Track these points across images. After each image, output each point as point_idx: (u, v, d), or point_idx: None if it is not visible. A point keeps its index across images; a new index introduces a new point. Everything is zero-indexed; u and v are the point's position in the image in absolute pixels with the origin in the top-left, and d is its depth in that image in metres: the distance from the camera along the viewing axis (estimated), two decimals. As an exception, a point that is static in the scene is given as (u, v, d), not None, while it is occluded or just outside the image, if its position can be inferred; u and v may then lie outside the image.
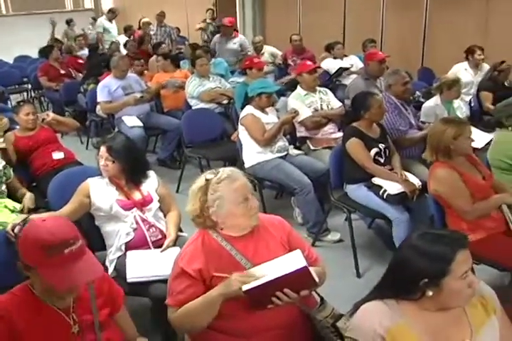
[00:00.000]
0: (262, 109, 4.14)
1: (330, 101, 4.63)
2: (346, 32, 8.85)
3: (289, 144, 4.30)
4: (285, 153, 4.13)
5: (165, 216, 2.95)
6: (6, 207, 3.14)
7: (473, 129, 3.13)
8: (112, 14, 10.59)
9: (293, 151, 4.24)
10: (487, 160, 3.50)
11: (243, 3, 10.41)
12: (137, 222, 2.78)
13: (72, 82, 7.25)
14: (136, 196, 2.87)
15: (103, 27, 10.37)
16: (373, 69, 5.04)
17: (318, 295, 2.10)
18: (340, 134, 4.25)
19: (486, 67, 5.82)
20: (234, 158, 4.51)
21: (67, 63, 7.83)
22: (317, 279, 1.90)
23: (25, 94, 9.08)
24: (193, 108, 5.58)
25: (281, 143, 4.12)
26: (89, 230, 2.82)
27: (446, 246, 1.56)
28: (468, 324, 1.65)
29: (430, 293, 1.58)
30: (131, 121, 5.35)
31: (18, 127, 4.19)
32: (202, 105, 5.57)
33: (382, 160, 3.62)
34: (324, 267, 2.18)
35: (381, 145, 3.62)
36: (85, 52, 8.93)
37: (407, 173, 3.56)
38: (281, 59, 7.79)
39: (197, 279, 1.95)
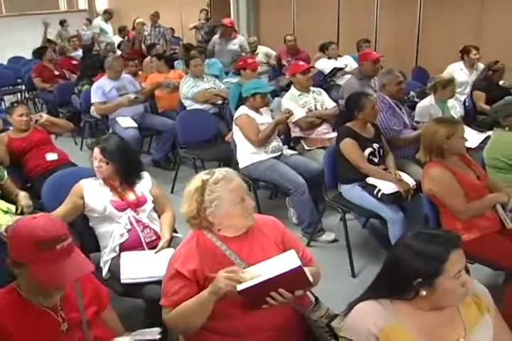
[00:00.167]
0: (256, 110, 4.14)
1: (324, 102, 4.63)
2: (340, 32, 8.87)
3: (283, 144, 4.29)
4: (279, 153, 4.13)
5: (159, 217, 2.94)
6: (-1, 208, 3.12)
7: (467, 129, 3.14)
8: (108, 15, 10.63)
9: (287, 151, 4.23)
10: (482, 160, 3.51)
11: (237, 4, 10.41)
12: (131, 223, 2.77)
13: (66, 83, 7.23)
14: (130, 197, 2.86)
15: (100, 28, 10.37)
16: (367, 69, 5.04)
17: (313, 295, 2.10)
18: (334, 134, 4.25)
19: (481, 66, 5.84)
20: (228, 159, 4.51)
21: (61, 64, 7.80)
22: (311, 279, 1.90)
23: (19, 95, 9.05)
24: (188, 109, 5.57)
25: (276, 143, 4.12)
26: (84, 231, 2.83)
27: (440, 246, 1.57)
28: (462, 323, 1.65)
29: (424, 293, 1.58)
30: (126, 122, 5.34)
31: (11, 128, 4.17)
32: (196, 106, 5.55)
33: (376, 160, 3.62)
34: (319, 267, 2.18)
35: (375, 145, 3.63)
36: (79, 53, 8.92)
37: (401, 173, 3.56)
38: (276, 59, 7.78)
39: (191, 280, 1.95)
